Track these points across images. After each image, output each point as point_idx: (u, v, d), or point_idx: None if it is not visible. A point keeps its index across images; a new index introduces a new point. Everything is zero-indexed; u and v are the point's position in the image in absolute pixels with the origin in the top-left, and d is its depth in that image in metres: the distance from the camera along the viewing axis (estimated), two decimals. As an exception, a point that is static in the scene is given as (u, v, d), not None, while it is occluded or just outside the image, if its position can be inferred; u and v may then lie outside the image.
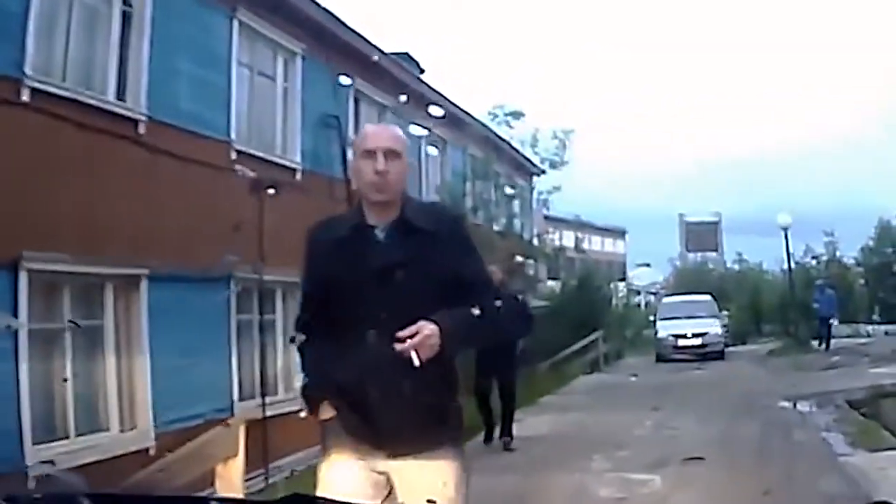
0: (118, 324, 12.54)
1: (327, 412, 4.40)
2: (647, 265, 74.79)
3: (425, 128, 23.45)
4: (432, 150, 25.55)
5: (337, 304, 4.39)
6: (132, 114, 12.71)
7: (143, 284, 12.73)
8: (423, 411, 4.27)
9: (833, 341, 36.55)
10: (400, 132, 4.62)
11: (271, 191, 13.80)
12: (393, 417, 4.25)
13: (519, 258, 28.83)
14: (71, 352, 11.75)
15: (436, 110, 23.74)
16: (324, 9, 17.21)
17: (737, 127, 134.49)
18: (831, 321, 37.37)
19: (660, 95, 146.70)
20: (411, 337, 4.00)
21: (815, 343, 36.64)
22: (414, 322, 4.06)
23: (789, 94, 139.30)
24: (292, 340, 4.70)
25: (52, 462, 10.54)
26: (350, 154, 5.03)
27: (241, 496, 8.34)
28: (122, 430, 12.38)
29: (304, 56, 17.21)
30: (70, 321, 11.75)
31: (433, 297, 4.22)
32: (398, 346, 4.01)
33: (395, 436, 4.28)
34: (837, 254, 52.56)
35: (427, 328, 4.03)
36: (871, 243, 52.14)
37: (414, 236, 4.36)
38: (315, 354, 4.57)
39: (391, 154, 4.38)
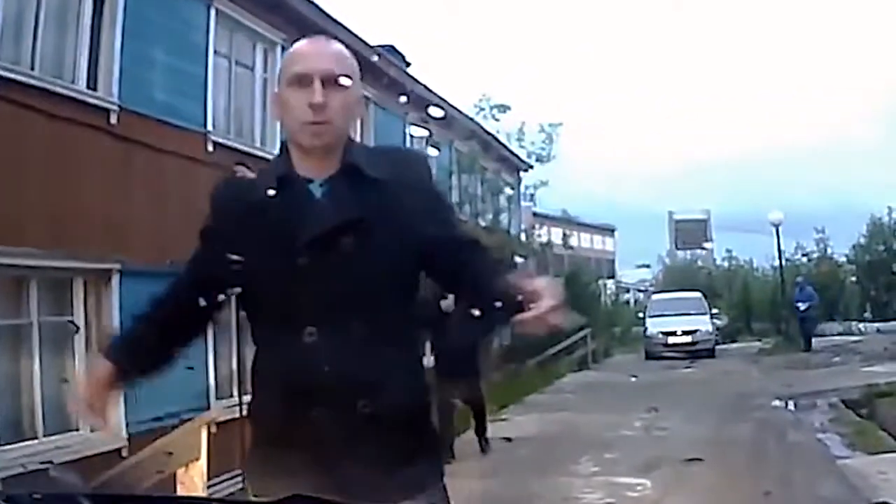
0: (89, 320, 12.16)
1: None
2: (648, 266, 74.69)
3: (421, 125, 23.22)
4: (432, 151, 25.33)
5: (255, 290, 3.18)
6: (104, 103, 12.33)
7: (115, 279, 12.35)
8: (388, 442, 3.04)
9: (825, 339, 36.40)
10: (346, 51, 3.27)
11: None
12: (345, 454, 3.01)
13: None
14: (39, 349, 11.36)
15: (435, 111, 23.49)
16: (306, -2, 16.93)
17: (727, 124, 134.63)
18: (810, 323, 36.64)
19: (650, 93, 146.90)
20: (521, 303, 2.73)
21: (805, 342, 36.08)
22: (370, 313, 3.02)
23: (780, 92, 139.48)
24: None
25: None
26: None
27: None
28: (92, 430, 12.00)
29: (284, 46, 16.79)
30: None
31: (397, 273, 3.11)
32: (525, 318, 2.72)
33: (350, 481, 2.97)
34: (829, 251, 52.71)
35: (539, 282, 2.80)
36: (862, 241, 52.08)
37: (365, 190, 3.11)
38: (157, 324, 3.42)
39: (333, 81, 3.13)
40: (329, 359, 3.01)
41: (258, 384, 3.29)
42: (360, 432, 3.03)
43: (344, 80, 3.17)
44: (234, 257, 3.16)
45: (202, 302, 3.32)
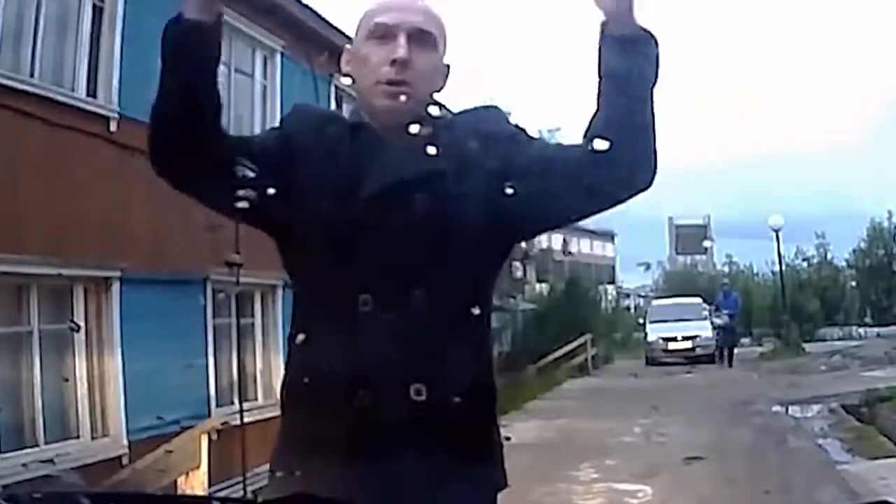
0: (89, 327, 12.14)
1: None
2: (648, 266, 74.59)
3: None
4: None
5: (305, 237, 2.66)
6: (103, 111, 12.30)
7: (116, 287, 12.33)
8: (441, 439, 2.53)
9: (825, 344, 36.24)
10: (434, 10, 2.80)
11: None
12: (389, 447, 2.51)
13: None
14: (39, 356, 11.33)
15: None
16: (304, 5, 16.87)
17: (727, 129, 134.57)
18: (730, 333, 34.28)
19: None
20: None
21: (728, 356, 33.67)
22: (437, 285, 2.55)
23: (780, 97, 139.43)
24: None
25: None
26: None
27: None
28: (93, 438, 12.01)
29: (283, 53, 16.83)
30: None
31: (477, 241, 2.60)
32: None
33: (390, 481, 2.51)
34: (829, 256, 52.79)
35: None
36: (862, 245, 52.14)
37: (444, 146, 2.65)
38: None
39: (420, 38, 2.69)
40: (383, 334, 2.52)
41: (296, 357, 2.71)
42: (409, 423, 2.51)
43: (432, 39, 2.74)
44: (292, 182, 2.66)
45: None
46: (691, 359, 34.23)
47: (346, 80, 2.74)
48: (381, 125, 2.70)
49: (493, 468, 2.75)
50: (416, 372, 2.52)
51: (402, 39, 2.66)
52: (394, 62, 2.65)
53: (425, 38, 2.71)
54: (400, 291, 2.53)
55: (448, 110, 2.76)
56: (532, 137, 2.83)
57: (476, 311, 2.68)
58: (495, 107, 2.97)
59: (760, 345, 42.93)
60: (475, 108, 2.98)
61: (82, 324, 11.99)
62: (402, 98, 2.65)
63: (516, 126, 2.83)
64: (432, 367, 2.54)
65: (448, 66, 2.83)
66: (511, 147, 2.67)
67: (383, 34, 2.68)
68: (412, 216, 2.57)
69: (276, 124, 2.91)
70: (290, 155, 2.70)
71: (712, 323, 34.49)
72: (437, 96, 2.82)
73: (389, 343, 2.51)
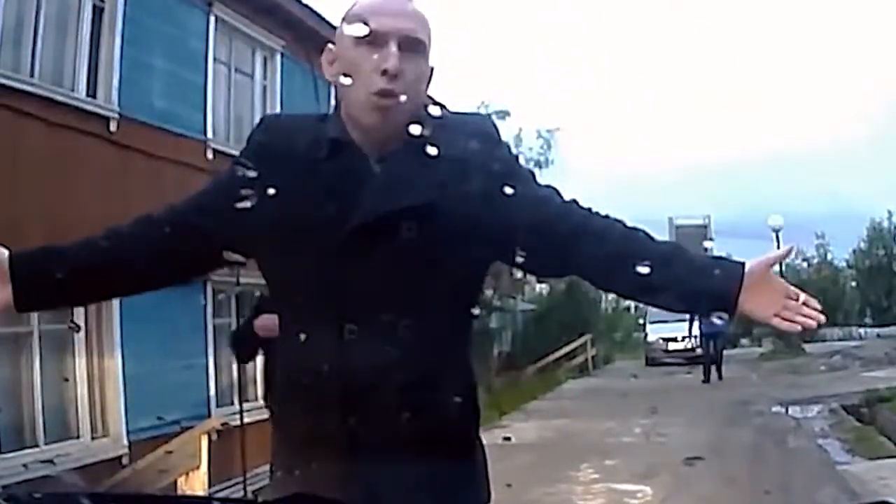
0: (89, 327, 12.12)
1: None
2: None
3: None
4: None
5: (288, 268, 2.60)
6: (103, 111, 12.28)
7: (116, 287, 12.29)
8: (432, 463, 2.53)
9: (825, 345, 36.12)
10: (421, 10, 2.64)
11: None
12: (382, 471, 2.50)
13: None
14: (39, 357, 11.32)
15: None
16: (304, 5, 16.86)
17: (727, 129, 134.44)
18: (721, 341, 29.12)
19: (649, 98, 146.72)
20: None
21: (710, 370, 27.85)
22: (422, 314, 2.51)
23: (780, 97, 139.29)
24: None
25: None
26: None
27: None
28: (93, 438, 12.01)
29: (283, 53, 16.82)
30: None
31: (461, 270, 2.58)
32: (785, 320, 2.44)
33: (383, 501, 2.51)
34: (829, 256, 52.87)
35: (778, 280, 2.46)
36: (862, 245, 52.23)
37: (431, 169, 2.52)
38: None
39: (411, 45, 2.55)
40: (371, 364, 2.48)
41: (285, 380, 2.70)
42: (401, 449, 2.50)
43: (422, 46, 2.59)
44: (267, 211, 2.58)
45: (196, 246, 2.76)
46: (691, 359, 34.20)
47: (346, 81, 2.56)
48: (367, 140, 2.58)
49: (479, 483, 2.72)
50: (406, 401, 2.50)
51: (393, 48, 2.51)
52: (384, 72, 2.49)
53: (416, 45, 2.56)
54: (385, 322, 2.49)
55: (447, 110, 2.70)
56: (523, 167, 2.78)
57: (462, 332, 2.69)
58: (489, 118, 2.89)
59: (760, 345, 42.92)
60: (466, 117, 2.88)
61: (82, 324, 11.98)
62: (392, 112, 2.52)
63: (507, 148, 2.76)
64: (422, 395, 2.52)
65: (432, 69, 2.68)
66: (503, 181, 2.55)
67: (373, 41, 2.53)
68: (398, 247, 2.51)
69: (246, 142, 2.80)
70: (268, 176, 2.60)
71: (701, 328, 29.99)
72: (438, 98, 2.77)
73: (378, 373, 2.48)
